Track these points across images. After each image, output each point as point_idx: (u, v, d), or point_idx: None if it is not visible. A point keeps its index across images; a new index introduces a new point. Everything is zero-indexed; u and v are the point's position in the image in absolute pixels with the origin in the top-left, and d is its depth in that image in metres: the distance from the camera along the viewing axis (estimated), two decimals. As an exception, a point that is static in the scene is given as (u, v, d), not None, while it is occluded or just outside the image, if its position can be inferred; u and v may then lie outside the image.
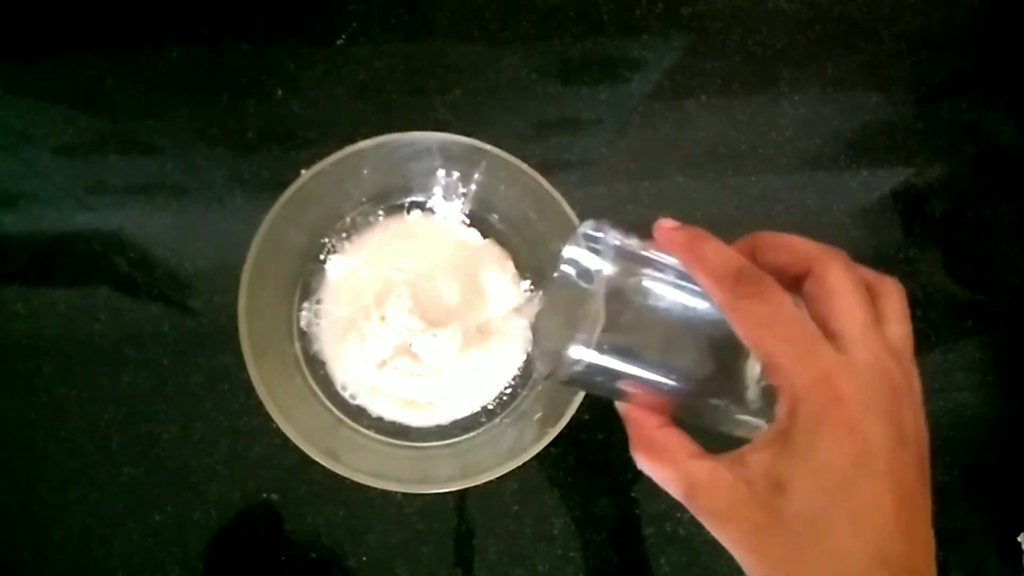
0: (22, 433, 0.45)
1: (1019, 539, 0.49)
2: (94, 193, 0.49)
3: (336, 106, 0.51)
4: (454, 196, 0.46)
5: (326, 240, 0.45)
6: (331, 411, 0.43)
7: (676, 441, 0.27)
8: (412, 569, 0.45)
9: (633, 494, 0.47)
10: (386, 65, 0.52)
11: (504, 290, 0.45)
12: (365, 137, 0.50)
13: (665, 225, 0.28)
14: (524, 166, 0.40)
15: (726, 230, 0.52)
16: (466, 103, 0.52)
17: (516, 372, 0.45)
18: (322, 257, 0.45)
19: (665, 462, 0.26)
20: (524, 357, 0.45)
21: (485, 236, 0.47)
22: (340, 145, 0.50)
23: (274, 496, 0.44)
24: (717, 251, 0.27)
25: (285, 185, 0.48)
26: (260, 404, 0.36)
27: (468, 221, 0.47)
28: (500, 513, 0.46)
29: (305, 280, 0.44)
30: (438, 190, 0.46)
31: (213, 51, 0.51)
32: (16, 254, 0.48)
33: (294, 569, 0.44)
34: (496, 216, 0.46)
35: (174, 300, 0.47)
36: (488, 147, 0.40)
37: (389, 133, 0.40)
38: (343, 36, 0.52)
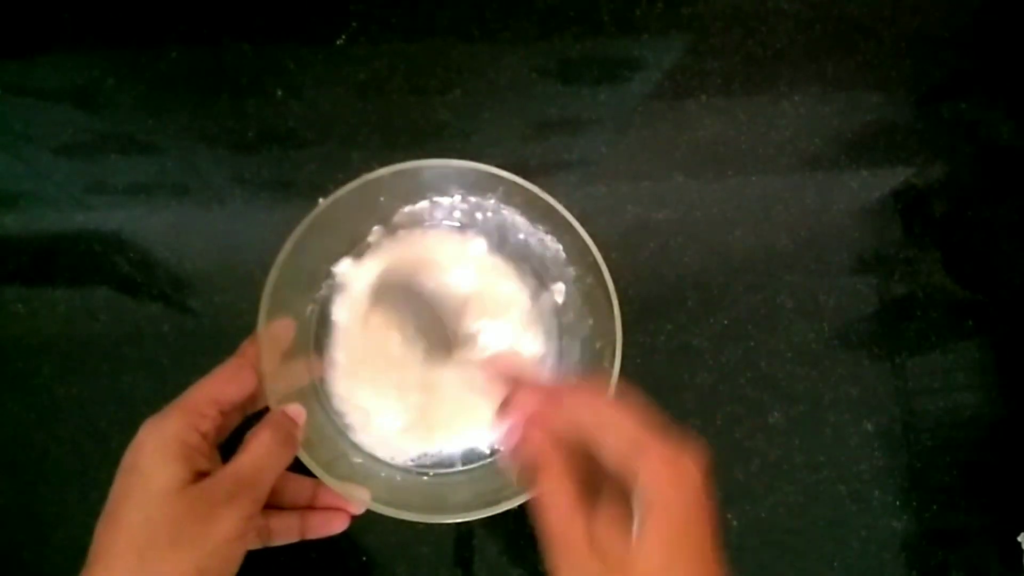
0: (22, 433, 0.45)
1: (1019, 539, 0.49)
2: (94, 193, 0.49)
3: (336, 106, 0.51)
4: (470, 221, 0.45)
5: (339, 265, 0.44)
6: (344, 436, 0.42)
7: None
8: (412, 569, 0.45)
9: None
10: (386, 65, 0.52)
11: (520, 316, 0.45)
12: (365, 138, 0.50)
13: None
14: (541, 192, 0.40)
15: (726, 230, 0.53)
16: (466, 103, 0.52)
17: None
18: (336, 282, 0.44)
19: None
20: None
21: (501, 261, 0.46)
22: (340, 145, 0.50)
23: (274, 496, 0.44)
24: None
25: (285, 185, 0.48)
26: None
27: (484, 245, 0.46)
28: (500, 513, 0.46)
29: (320, 306, 0.44)
30: (455, 215, 0.45)
31: (213, 51, 0.51)
32: (16, 254, 0.48)
33: (294, 569, 0.44)
34: (511, 240, 0.46)
35: (174, 300, 0.47)
36: (505, 174, 0.40)
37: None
38: (343, 36, 0.52)
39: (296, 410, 0.35)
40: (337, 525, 0.38)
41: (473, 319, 0.44)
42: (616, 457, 0.29)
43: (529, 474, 0.31)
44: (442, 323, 0.43)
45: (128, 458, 0.32)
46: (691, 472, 0.28)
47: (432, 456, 0.43)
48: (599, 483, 0.30)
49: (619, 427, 0.29)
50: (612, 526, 0.28)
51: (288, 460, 0.34)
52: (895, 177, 0.55)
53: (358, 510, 0.38)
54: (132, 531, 0.30)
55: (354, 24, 0.52)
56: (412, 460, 0.43)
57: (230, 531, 0.30)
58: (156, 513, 0.30)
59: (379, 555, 0.45)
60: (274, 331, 0.37)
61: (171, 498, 0.30)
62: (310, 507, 0.38)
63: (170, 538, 0.29)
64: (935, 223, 0.55)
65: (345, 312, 0.44)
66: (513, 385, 0.34)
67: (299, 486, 0.38)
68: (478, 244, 0.46)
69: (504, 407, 0.34)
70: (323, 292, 0.44)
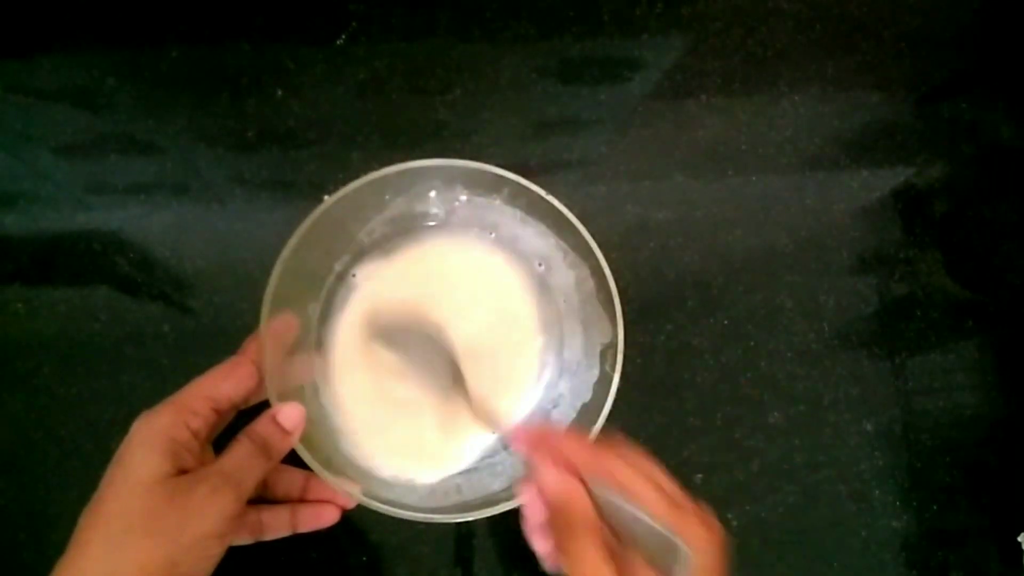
0: (22, 433, 0.45)
1: (1019, 539, 0.49)
2: (94, 193, 0.49)
3: (336, 106, 0.51)
4: (474, 221, 0.45)
5: (342, 265, 0.44)
6: (344, 433, 0.42)
7: None
8: (412, 569, 0.45)
9: None
10: (386, 65, 0.52)
11: (522, 316, 0.45)
12: (365, 138, 0.50)
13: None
14: (545, 195, 0.40)
15: (726, 230, 0.53)
16: (466, 103, 0.52)
17: (534, 398, 0.44)
18: (339, 283, 0.44)
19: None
20: (543, 384, 0.45)
21: (504, 260, 0.46)
22: (340, 145, 0.50)
23: (274, 496, 0.44)
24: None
25: (286, 185, 0.48)
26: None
27: (488, 245, 0.46)
28: (500, 513, 0.46)
29: (322, 306, 0.43)
30: (459, 214, 0.45)
31: (213, 51, 0.51)
32: (16, 254, 0.48)
33: (294, 569, 0.44)
34: (516, 241, 0.46)
35: (174, 300, 0.47)
36: (512, 176, 0.40)
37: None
38: (343, 36, 0.52)
39: (295, 408, 0.35)
40: (327, 518, 0.38)
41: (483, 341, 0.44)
42: (658, 512, 0.30)
43: (562, 520, 0.31)
44: (448, 358, 0.42)
45: (118, 451, 0.32)
46: (722, 535, 0.30)
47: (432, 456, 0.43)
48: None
49: (659, 485, 0.31)
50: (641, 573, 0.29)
51: (270, 464, 0.34)
52: (895, 177, 0.55)
53: (349, 504, 0.38)
54: (109, 519, 0.30)
55: (354, 24, 0.52)
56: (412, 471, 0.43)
57: (208, 527, 0.30)
58: (134, 503, 0.30)
59: (379, 555, 0.45)
60: (276, 328, 0.37)
61: (151, 489, 0.30)
62: (301, 500, 0.39)
63: (145, 528, 0.29)
64: (935, 223, 0.55)
65: (347, 311, 0.44)
66: (546, 440, 0.34)
67: (291, 478, 0.38)
68: (481, 241, 0.46)
69: (537, 461, 0.33)
70: (326, 290, 0.44)
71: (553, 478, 0.32)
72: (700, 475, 0.48)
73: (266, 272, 0.36)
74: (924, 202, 0.55)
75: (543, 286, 0.46)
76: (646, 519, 0.30)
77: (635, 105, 0.54)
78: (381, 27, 0.52)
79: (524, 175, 0.41)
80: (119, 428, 0.33)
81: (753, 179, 0.53)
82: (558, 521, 0.31)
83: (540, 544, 0.34)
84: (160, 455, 0.31)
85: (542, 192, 0.40)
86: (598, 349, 0.41)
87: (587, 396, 0.41)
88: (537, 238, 0.44)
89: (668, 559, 0.29)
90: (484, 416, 0.40)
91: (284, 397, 0.36)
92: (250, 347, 0.36)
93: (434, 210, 0.45)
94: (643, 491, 0.30)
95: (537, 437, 0.34)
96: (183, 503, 0.30)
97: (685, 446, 0.48)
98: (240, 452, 0.33)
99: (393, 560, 0.45)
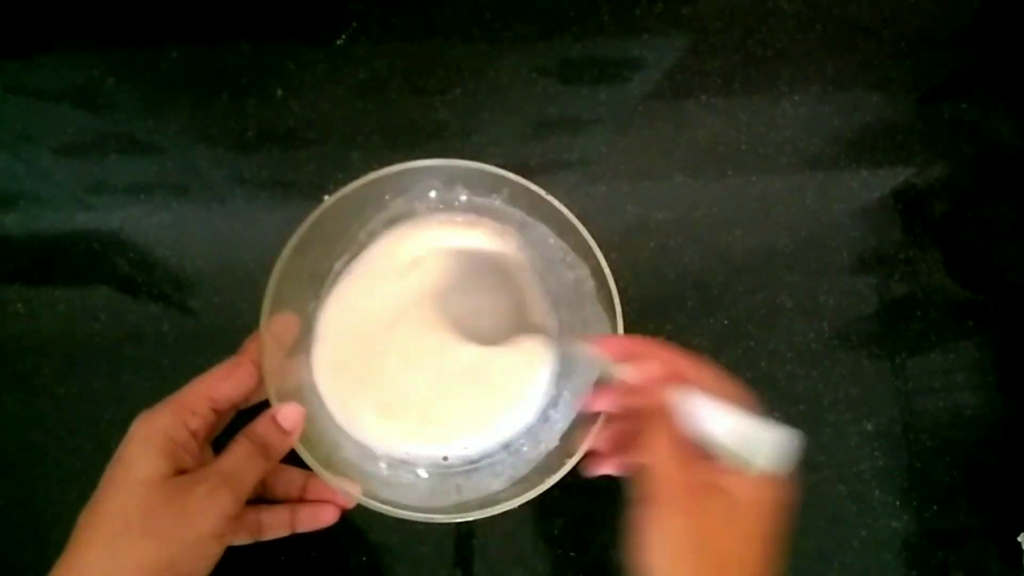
0: (22, 433, 0.45)
1: (1019, 539, 0.49)
2: (94, 193, 0.49)
3: (336, 106, 0.51)
4: (475, 221, 0.45)
5: (342, 265, 0.44)
6: (344, 433, 0.42)
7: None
8: (412, 569, 0.45)
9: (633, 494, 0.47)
10: (386, 65, 0.52)
11: (524, 316, 0.45)
12: (365, 138, 0.50)
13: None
14: (545, 195, 0.40)
15: (726, 230, 0.53)
16: (466, 103, 0.52)
17: (534, 398, 0.44)
18: (336, 280, 0.43)
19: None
20: (543, 382, 0.44)
21: (503, 260, 0.45)
22: (340, 145, 0.50)
23: (274, 496, 0.44)
24: None
25: (286, 185, 0.48)
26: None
27: (487, 243, 0.45)
28: (500, 513, 0.46)
29: (323, 303, 0.43)
30: (459, 215, 0.45)
31: (213, 51, 0.51)
32: (16, 254, 0.48)
33: (294, 569, 0.44)
34: (515, 240, 0.46)
35: (174, 300, 0.47)
36: (512, 176, 0.40)
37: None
38: (343, 36, 0.52)
39: (294, 409, 0.35)
40: (326, 517, 0.38)
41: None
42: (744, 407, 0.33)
43: (643, 413, 0.34)
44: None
45: (117, 450, 0.32)
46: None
47: (432, 456, 0.43)
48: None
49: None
50: (706, 471, 0.33)
51: (269, 465, 0.34)
52: (895, 177, 0.55)
53: (349, 504, 0.38)
54: (108, 519, 0.30)
55: (354, 24, 0.52)
56: (411, 459, 0.43)
57: (207, 528, 0.30)
58: (133, 503, 0.30)
59: (379, 555, 0.45)
60: (276, 327, 0.37)
61: (149, 489, 0.30)
62: (300, 499, 0.39)
63: (143, 528, 0.30)
64: (935, 223, 0.55)
65: (347, 310, 0.44)
66: (631, 346, 0.37)
67: (291, 477, 0.38)
68: (481, 238, 0.45)
69: (636, 363, 0.36)
70: (326, 290, 0.44)
71: (639, 374, 0.35)
72: (700, 475, 0.48)
73: (266, 272, 0.37)
74: (924, 202, 0.55)
75: (542, 286, 0.46)
76: (730, 415, 0.33)
77: (635, 105, 0.54)
78: (381, 27, 0.52)
79: (524, 175, 0.41)
80: (119, 428, 0.33)
81: (753, 179, 0.53)
82: (641, 414, 0.34)
83: (606, 464, 0.38)
84: (159, 455, 0.31)
85: (542, 192, 0.40)
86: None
87: (587, 396, 0.41)
88: (537, 238, 0.44)
89: (749, 452, 0.32)
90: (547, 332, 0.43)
91: (284, 397, 0.36)
92: (250, 347, 0.36)
93: (433, 208, 0.45)
94: (730, 390, 0.34)
95: (623, 343, 0.37)
96: (182, 503, 0.30)
97: (685, 446, 0.48)
98: (239, 452, 0.33)
99: (393, 560, 0.45)
